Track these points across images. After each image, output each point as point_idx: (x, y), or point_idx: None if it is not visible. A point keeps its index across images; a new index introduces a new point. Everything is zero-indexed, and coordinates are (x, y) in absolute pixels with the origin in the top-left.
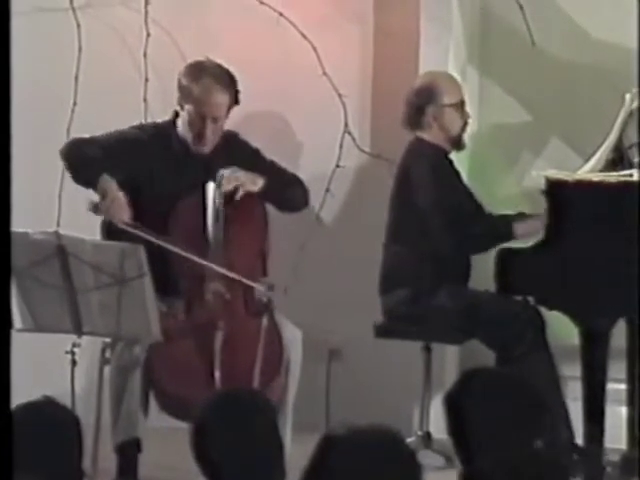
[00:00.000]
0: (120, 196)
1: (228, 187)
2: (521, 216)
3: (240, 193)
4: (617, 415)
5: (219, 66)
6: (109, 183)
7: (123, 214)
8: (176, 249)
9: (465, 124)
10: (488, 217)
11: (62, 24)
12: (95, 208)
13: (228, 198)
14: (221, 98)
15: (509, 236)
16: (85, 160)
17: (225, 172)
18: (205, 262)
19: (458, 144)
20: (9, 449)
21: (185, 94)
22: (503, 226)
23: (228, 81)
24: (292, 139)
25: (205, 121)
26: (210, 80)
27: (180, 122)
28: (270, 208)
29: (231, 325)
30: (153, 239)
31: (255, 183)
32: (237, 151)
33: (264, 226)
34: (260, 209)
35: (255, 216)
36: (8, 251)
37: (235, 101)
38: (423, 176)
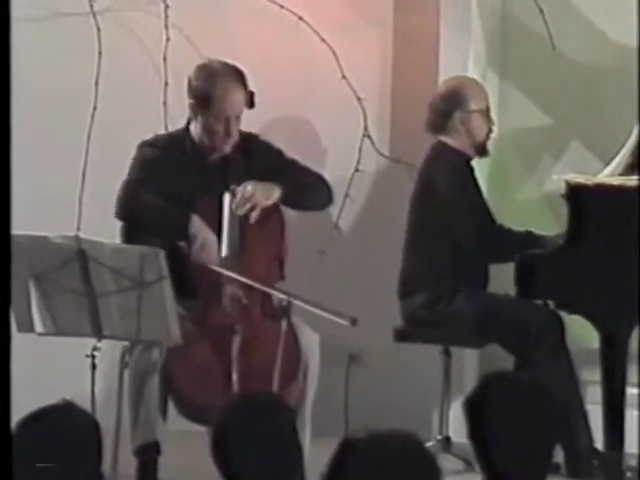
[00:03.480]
0: (210, 239)
1: (243, 209)
2: (529, 234)
3: (255, 214)
4: (630, 419)
5: (226, 65)
6: (200, 225)
7: (212, 258)
8: (246, 280)
9: (490, 131)
10: (506, 230)
11: (82, 29)
12: (185, 248)
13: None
14: (239, 95)
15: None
16: (153, 211)
17: (238, 190)
18: (226, 271)
19: (482, 150)
20: (9, 455)
21: (202, 100)
22: (527, 238)
23: (239, 77)
24: (312, 143)
25: (229, 121)
26: (225, 80)
27: (193, 128)
28: (289, 211)
29: (248, 329)
30: (244, 279)
31: (270, 197)
32: (256, 153)
33: (281, 230)
34: (277, 213)
35: (272, 220)
36: (8, 254)
37: (250, 104)
38: (446, 178)
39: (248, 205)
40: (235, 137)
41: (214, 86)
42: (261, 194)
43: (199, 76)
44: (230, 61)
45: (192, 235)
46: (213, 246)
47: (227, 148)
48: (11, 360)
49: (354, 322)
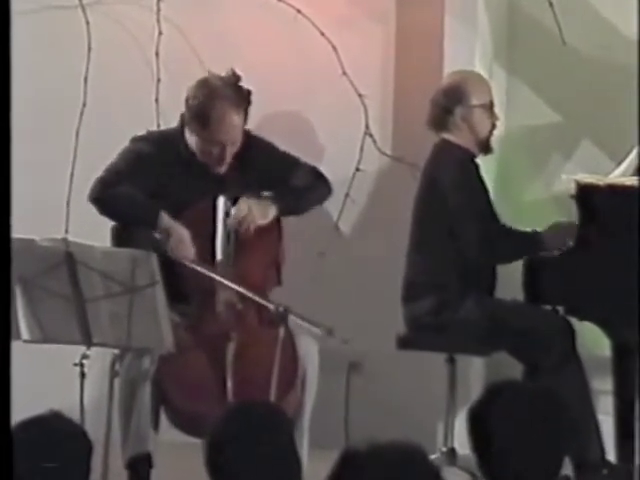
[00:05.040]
0: (185, 234)
1: (240, 229)
2: (536, 234)
3: (251, 230)
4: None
5: (226, 83)
6: (171, 221)
7: (189, 253)
8: (240, 289)
9: (493, 126)
10: (510, 230)
11: (71, 22)
12: (159, 245)
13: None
14: (237, 120)
15: (539, 247)
16: (125, 200)
17: (232, 210)
18: (218, 277)
19: (486, 147)
20: (9, 465)
21: (198, 121)
22: (531, 237)
23: (239, 98)
24: (311, 141)
25: (225, 147)
26: (223, 103)
27: (188, 135)
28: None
29: (244, 336)
30: (225, 281)
31: (265, 216)
32: (251, 152)
33: (278, 233)
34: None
35: (268, 223)
36: (8, 260)
37: (247, 103)
38: (452, 179)
39: (243, 226)
40: (229, 160)
41: (210, 110)
42: (257, 213)
43: (197, 95)
44: (225, 56)
45: (165, 231)
46: (190, 242)
47: (222, 169)
48: (11, 367)
49: (330, 332)
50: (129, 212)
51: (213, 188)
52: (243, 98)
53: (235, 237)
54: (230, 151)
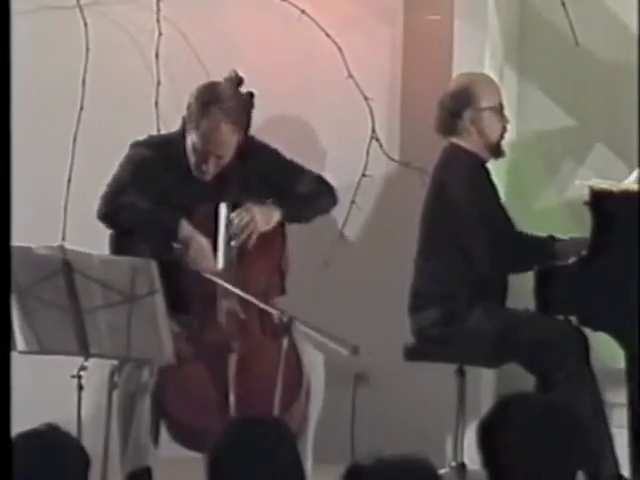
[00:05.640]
0: (205, 244)
1: (240, 239)
2: (552, 239)
3: (253, 238)
4: None
5: (233, 95)
6: (192, 231)
7: (210, 263)
8: (253, 299)
9: (504, 129)
10: (525, 235)
11: (68, 23)
12: (180, 255)
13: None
14: (229, 136)
15: (552, 257)
16: (139, 212)
17: (234, 217)
18: (222, 282)
19: (497, 151)
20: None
21: (192, 122)
22: (544, 246)
23: (240, 114)
24: (315, 146)
25: (208, 157)
26: (219, 115)
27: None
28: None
29: (247, 347)
30: (239, 292)
31: (269, 222)
32: (254, 157)
33: (282, 240)
34: (277, 223)
35: (272, 230)
36: (8, 269)
37: (250, 105)
38: (460, 186)
39: (245, 233)
40: (213, 171)
41: (204, 116)
42: (260, 219)
43: (198, 96)
44: (227, 57)
45: (184, 241)
46: (210, 252)
47: (206, 177)
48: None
49: (355, 351)
50: (145, 224)
51: (214, 194)
52: (244, 112)
53: (237, 244)
54: (214, 163)
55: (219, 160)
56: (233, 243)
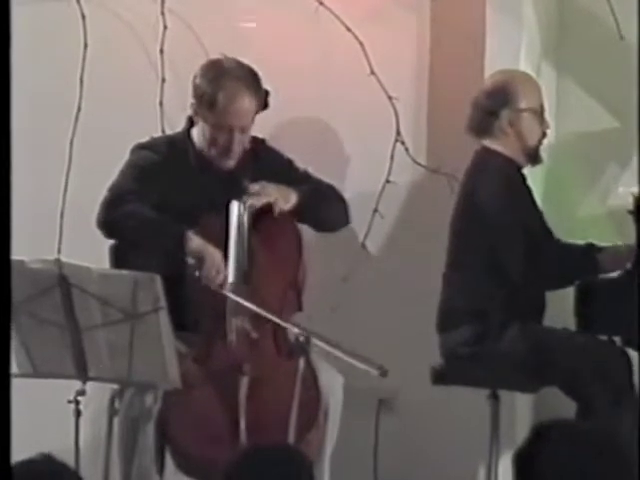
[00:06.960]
0: (219, 258)
1: (257, 204)
2: (591, 247)
3: (275, 211)
4: None
5: (240, 65)
6: (203, 244)
7: (222, 278)
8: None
9: (544, 135)
10: (564, 246)
11: (65, 16)
12: (194, 271)
13: (257, 217)
14: (248, 104)
15: (594, 270)
16: (143, 223)
17: (253, 186)
18: (237, 298)
19: (534, 157)
20: None
21: (205, 102)
22: (585, 258)
23: (253, 82)
24: (334, 150)
25: (232, 133)
26: (234, 84)
27: (196, 132)
28: (307, 231)
29: (259, 368)
30: (255, 308)
31: (288, 200)
32: (265, 162)
33: (298, 251)
34: (293, 231)
35: (287, 240)
36: (8, 284)
37: (264, 105)
38: (494, 193)
39: (264, 200)
40: (239, 150)
41: (220, 89)
42: (278, 192)
43: (205, 74)
44: (238, 54)
45: (196, 255)
46: (221, 266)
47: (230, 163)
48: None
49: (384, 373)
50: (150, 234)
51: (223, 198)
52: (255, 80)
53: (249, 252)
54: (239, 140)
55: (243, 135)
56: (248, 204)
